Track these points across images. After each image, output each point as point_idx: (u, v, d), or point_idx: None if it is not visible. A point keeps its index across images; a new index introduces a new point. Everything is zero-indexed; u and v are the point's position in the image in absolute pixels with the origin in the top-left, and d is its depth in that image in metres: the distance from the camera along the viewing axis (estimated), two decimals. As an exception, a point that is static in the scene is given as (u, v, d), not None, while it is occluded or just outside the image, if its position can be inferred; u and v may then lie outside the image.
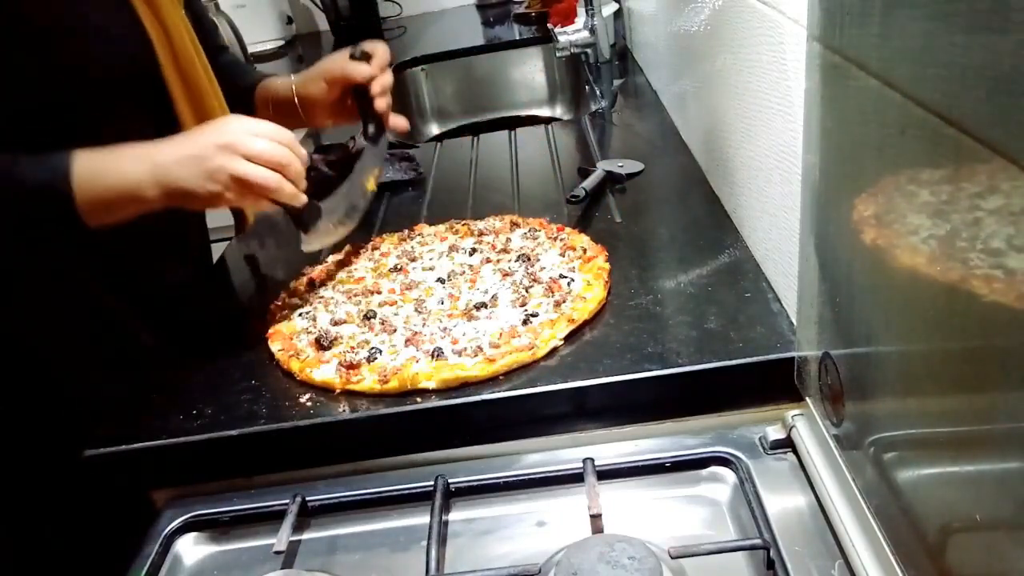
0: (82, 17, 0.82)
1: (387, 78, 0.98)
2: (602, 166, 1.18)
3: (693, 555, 0.60)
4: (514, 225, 1.03)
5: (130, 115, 0.90)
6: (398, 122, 1.00)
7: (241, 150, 0.77)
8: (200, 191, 0.76)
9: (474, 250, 0.99)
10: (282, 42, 2.57)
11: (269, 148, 0.78)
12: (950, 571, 0.47)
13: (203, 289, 1.06)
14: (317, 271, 1.00)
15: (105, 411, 0.80)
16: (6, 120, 0.79)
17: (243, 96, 1.06)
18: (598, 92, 1.62)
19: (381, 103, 0.97)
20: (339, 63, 0.97)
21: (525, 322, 0.82)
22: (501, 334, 0.80)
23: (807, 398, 0.70)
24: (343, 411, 0.76)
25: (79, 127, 0.84)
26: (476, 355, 0.78)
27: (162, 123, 0.91)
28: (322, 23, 2.64)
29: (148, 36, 0.87)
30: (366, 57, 0.97)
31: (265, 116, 1.01)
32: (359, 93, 0.97)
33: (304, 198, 0.84)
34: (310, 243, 0.87)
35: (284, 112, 1.02)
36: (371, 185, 1.01)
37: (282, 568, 0.67)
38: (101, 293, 0.90)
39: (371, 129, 0.98)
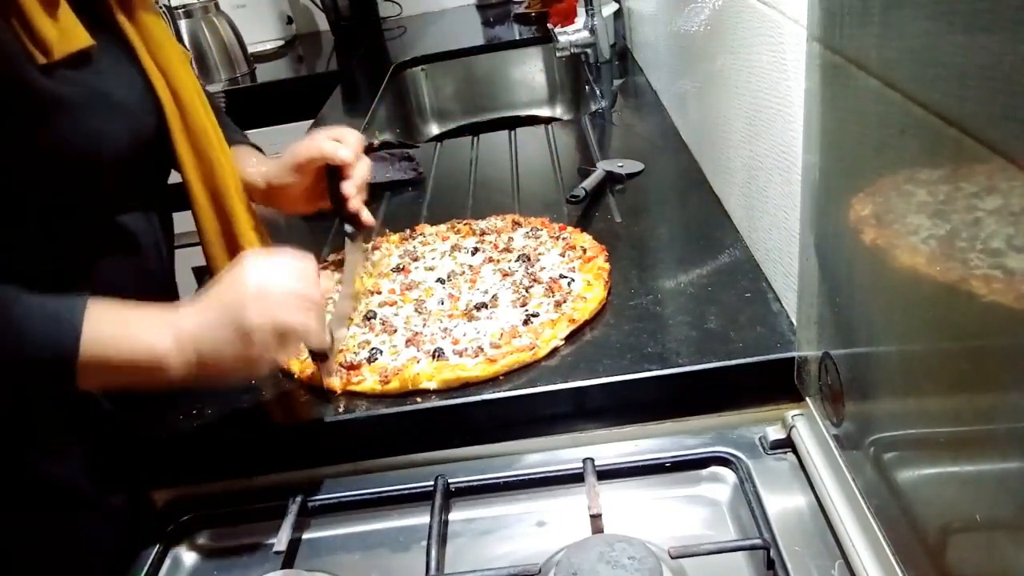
0: (100, 92, 0.75)
1: (362, 170, 0.90)
2: (602, 166, 1.18)
3: (693, 555, 0.60)
4: (516, 224, 1.03)
5: (138, 188, 0.83)
6: (367, 219, 0.92)
7: (275, 299, 0.68)
8: (235, 356, 0.66)
9: (476, 249, 0.99)
10: (282, 42, 2.57)
11: (302, 290, 0.69)
12: (950, 571, 0.47)
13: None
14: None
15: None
16: (10, 194, 0.71)
17: None
18: (598, 92, 1.62)
19: (356, 202, 0.89)
20: (314, 144, 0.89)
21: (526, 322, 0.82)
22: (502, 334, 0.80)
23: (807, 398, 0.70)
24: (343, 411, 0.76)
25: (87, 202, 0.77)
26: (477, 355, 0.78)
27: (166, 198, 0.87)
28: (322, 23, 2.64)
29: (163, 110, 0.81)
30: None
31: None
32: (333, 186, 0.90)
33: (328, 338, 0.76)
34: (331, 375, 0.80)
35: (255, 198, 0.93)
36: (360, 284, 0.95)
37: (282, 568, 0.67)
38: None
39: (348, 228, 0.91)
